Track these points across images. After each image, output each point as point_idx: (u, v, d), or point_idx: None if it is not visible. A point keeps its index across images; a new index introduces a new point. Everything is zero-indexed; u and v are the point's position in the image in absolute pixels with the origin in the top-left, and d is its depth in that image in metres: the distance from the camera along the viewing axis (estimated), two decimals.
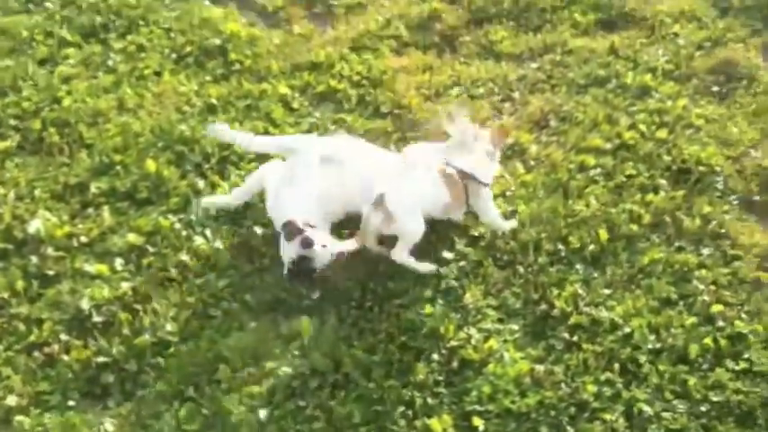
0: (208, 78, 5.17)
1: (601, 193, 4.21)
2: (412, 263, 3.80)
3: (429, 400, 3.34)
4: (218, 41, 5.46)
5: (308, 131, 4.62)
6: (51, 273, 3.88)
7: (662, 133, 4.55)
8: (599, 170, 4.36)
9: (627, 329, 3.58)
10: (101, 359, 3.51)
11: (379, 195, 3.71)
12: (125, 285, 3.79)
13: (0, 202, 4.26)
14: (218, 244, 4.01)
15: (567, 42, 5.35)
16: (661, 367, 3.44)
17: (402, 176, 3.85)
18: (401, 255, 3.79)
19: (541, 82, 5.06)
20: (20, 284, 3.82)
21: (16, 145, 4.70)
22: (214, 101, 4.93)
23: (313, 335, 3.57)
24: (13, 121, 4.87)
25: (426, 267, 3.82)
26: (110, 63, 5.32)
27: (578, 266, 3.87)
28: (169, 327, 3.62)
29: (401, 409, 3.30)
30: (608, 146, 4.50)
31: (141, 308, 3.71)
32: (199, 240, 4.01)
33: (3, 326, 3.68)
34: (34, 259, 3.94)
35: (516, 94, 4.96)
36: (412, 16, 5.68)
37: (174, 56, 5.38)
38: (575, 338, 3.56)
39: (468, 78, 5.09)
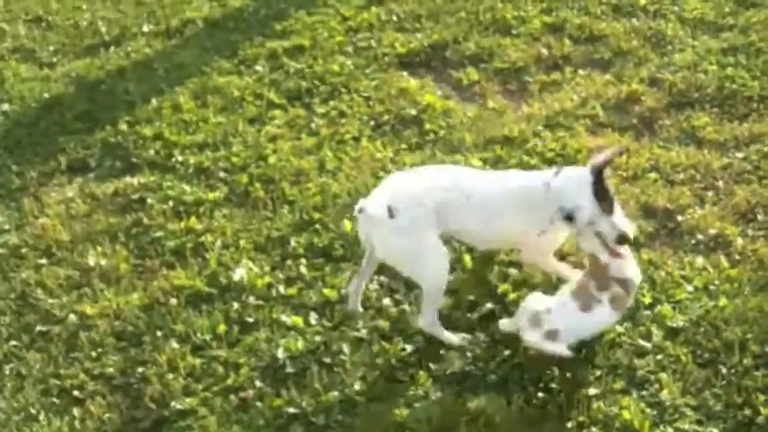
0: (403, 146, 5.32)
1: None
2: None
3: None
4: (414, 111, 5.64)
5: None
6: (251, 320, 4.07)
7: None
8: None
9: None
10: (291, 410, 3.60)
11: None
12: (317, 339, 3.91)
13: (208, 249, 4.55)
14: (407, 308, 4.06)
15: None
16: None
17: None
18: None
19: (747, 173, 4.82)
20: (221, 328, 4.03)
21: (224, 197, 5.02)
22: (408, 168, 5.05)
23: (499, 413, 3.50)
24: (222, 174, 5.22)
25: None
26: (312, 126, 5.62)
27: None
28: (357, 386, 3.67)
29: None
30: None
31: (331, 361, 3.80)
32: (389, 302, 4.08)
33: (203, 367, 3.88)
34: (236, 305, 4.15)
35: (720, 183, 4.75)
36: (609, 96, 5.62)
37: (372, 123, 5.60)
38: None
39: (668, 163, 4.94)
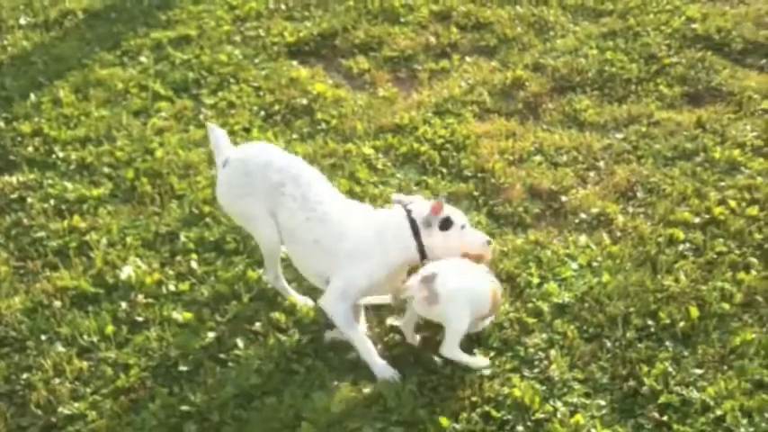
0: (294, 136, 5.29)
1: (691, 268, 4.12)
2: (464, 358, 3.59)
3: None
4: (304, 101, 5.61)
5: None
6: (140, 319, 3.96)
7: (752, 210, 4.46)
8: (688, 245, 4.28)
9: (719, 412, 3.45)
10: (185, 408, 3.52)
11: (432, 274, 3.51)
12: (211, 335, 3.84)
13: (92, 248, 4.39)
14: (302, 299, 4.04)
15: (653, 114, 5.33)
16: None
17: (457, 267, 3.61)
18: (450, 349, 3.54)
19: (627, 152, 5.03)
20: (109, 329, 3.90)
21: (109, 193, 4.85)
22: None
23: (394, 398, 3.53)
24: (106, 170, 5.05)
25: (480, 362, 3.63)
26: (201, 117, 5.50)
27: (668, 343, 3.76)
28: (253, 380, 3.63)
29: None
30: (697, 220, 4.43)
31: (226, 357, 3.74)
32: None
33: (90, 369, 3.74)
34: (124, 305, 4.02)
35: (601, 164, 4.94)
36: (495, 83, 5.75)
37: (262, 113, 5.53)
38: (665, 418, 3.45)
39: (552, 146, 5.09)
